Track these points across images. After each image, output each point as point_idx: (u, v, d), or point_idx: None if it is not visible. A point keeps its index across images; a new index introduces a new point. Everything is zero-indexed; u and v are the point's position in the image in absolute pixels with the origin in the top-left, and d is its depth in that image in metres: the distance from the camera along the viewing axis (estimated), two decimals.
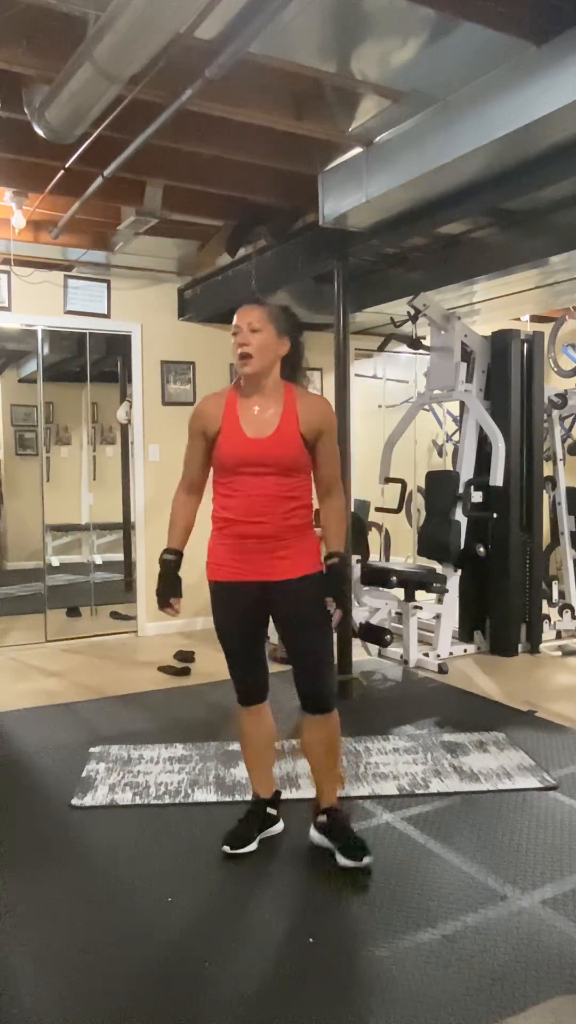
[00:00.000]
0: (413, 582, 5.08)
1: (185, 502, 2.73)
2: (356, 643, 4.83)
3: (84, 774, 3.24)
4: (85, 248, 5.27)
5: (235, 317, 2.47)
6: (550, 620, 5.44)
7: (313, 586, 2.49)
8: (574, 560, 5.72)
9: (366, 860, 2.49)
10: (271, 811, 2.74)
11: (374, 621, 5.18)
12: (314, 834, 2.67)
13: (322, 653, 2.57)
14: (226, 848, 2.60)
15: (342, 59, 2.93)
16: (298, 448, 2.45)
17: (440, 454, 7.50)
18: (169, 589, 2.64)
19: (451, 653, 5.18)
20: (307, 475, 2.54)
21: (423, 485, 5.79)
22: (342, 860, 2.51)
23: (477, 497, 5.07)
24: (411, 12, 2.55)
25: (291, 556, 2.49)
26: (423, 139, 3.31)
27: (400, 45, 2.82)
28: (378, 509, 5.93)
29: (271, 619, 2.63)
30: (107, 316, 5.83)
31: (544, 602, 5.46)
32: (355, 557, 5.08)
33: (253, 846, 2.63)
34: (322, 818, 2.64)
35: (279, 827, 2.75)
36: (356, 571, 5.10)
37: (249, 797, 2.84)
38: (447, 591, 5.15)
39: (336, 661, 4.39)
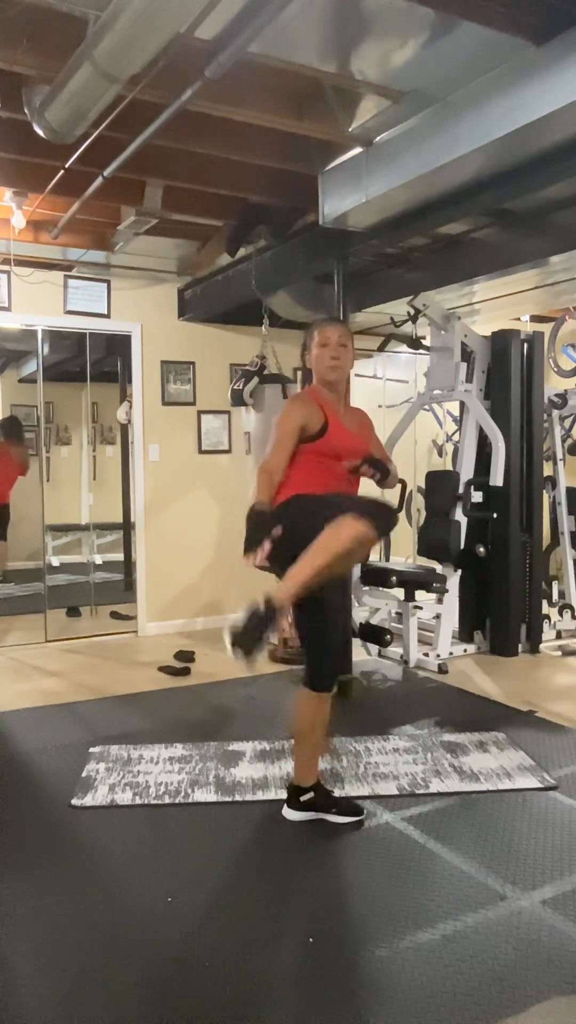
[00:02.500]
0: (413, 582, 5.08)
1: (276, 474, 2.73)
2: (356, 643, 4.83)
3: (84, 774, 3.24)
4: (85, 248, 5.27)
5: (325, 331, 2.83)
6: (550, 620, 5.44)
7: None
8: (574, 560, 5.72)
9: (362, 816, 2.80)
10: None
11: (374, 621, 5.18)
12: (295, 814, 2.82)
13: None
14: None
15: (342, 59, 2.93)
16: (368, 446, 2.89)
17: (440, 454, 7.50)
18: (262, 532, 2.64)
19: (451, 653, 5.18)
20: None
21: (423, 485, 5.79)
22: (339, 820, 2.78)
23: (477, 497, 5.07)
24: (411, 12, 2.55)
25: None
26: (423, 139, 3.31)
27: (400, 45, 2.82)
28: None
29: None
30: (107, 316, 5.83)
31: (544, 602, 5.46)
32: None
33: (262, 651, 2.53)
34: (308, 795, 2.81)
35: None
36: (356, 571, 5.10)
37: (249, 797, 2.89)
38: (447, 591, 5.15)
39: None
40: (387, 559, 6.93)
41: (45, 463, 6.27)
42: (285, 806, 2.85)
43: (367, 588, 5.19)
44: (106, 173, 3.65)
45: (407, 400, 7.08)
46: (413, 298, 5.00)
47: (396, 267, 5.03)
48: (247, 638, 2.34)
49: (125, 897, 2.39)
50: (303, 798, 2.81)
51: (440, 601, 5.23)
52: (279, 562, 2.59)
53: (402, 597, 5.08)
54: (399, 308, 5.33)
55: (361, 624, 4.99)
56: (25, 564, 6.68)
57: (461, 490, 5.09)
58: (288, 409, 2.79)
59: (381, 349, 5.63)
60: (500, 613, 5.27)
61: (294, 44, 2.81)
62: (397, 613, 5.28)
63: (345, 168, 3.80)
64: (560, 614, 5.54)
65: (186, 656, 5.15)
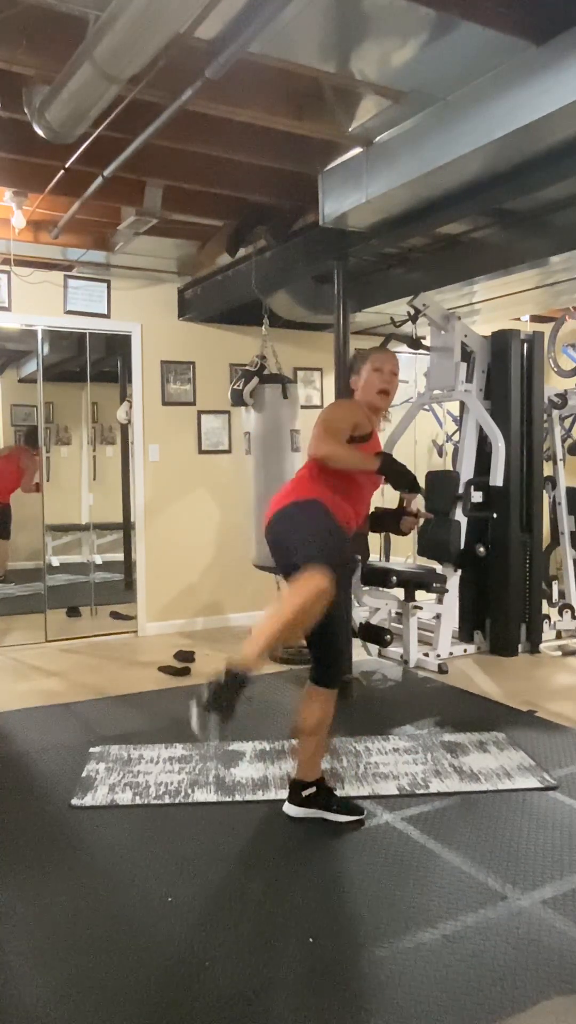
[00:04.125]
0: (413, 582, 5.08)
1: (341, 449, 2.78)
2: (356, 643, 4.83)
3: (84, 774, 3.24)
4: (85, 248, 5.26)
5: (381, 358, 2.89)
6: (550, 620, 5.44)
7: (352, 572, 2.89)
8: (574, 560, 5.72)
9: (362, 815, 2.82)
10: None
11: (374, 621, 5.18)
12: (296, 810, 2.83)
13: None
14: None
15: (342, 59, 2.93)
16: None
17: (440, 454, 7.49)
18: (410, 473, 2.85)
19: (451, 653, 5.18)
20: None
21: (423, 485, 5.79)
22: (339, 818, 2.79)
23: (477, 497, 5.07)
24: (411, 12, 2.55)
25: (356, 543, 2.89)
26: (423, 139, 3.31)
27: (400, 45, 2.81)
28: (378, 509, 5.93)
29: None
30: (107, 316, 5.83)
31: (544, 602, 5.46)
32: (355, 557, 5.08)
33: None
34: (310, 790, 2.82)
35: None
36: (356, 571, 5.10)
37: (249, 797, 2.89)
38: (447, 591, 5.15)
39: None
40: (387, 559, 6.94)
41: (45, 463, 6.27)
42: (286, 802, 2.85)
43: (367, 588, 5.19)
44: (106, 173, 3.65)
45: (407, 400, 7.08)
46: (413, 298, 5.00)
47: (396, 267, 5.03)
48: (217, 707, 2.20)
49: (125, 897, 2.39)
50: (305, 793, 2.82)
51: (440, 601, 5.23)
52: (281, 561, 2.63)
53: (402, 597, 5.08)
54: (399, 308, 5.33)
55: (361, 624, 4.99)
56: (25, 564, 6.68)
57: (461, 490, 5.09)
58: (345, 405, 2.91)
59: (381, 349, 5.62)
60: (500, 613, 5.27)
61: (294, 44, 2.80)
62: (397, 613, 5.28)
63: (345, 168, 3.80)
64: (560, 614, 5.54)
65: (186, 656, 5.15)
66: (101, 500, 6.71)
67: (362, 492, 2.82)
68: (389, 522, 3.03)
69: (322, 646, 2.76)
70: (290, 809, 2.84)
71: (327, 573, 2.33)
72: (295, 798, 2.83)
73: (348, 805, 2.86)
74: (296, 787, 2.84)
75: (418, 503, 3.01)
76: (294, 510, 2.68)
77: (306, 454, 2.75)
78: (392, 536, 7.18)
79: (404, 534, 3.04)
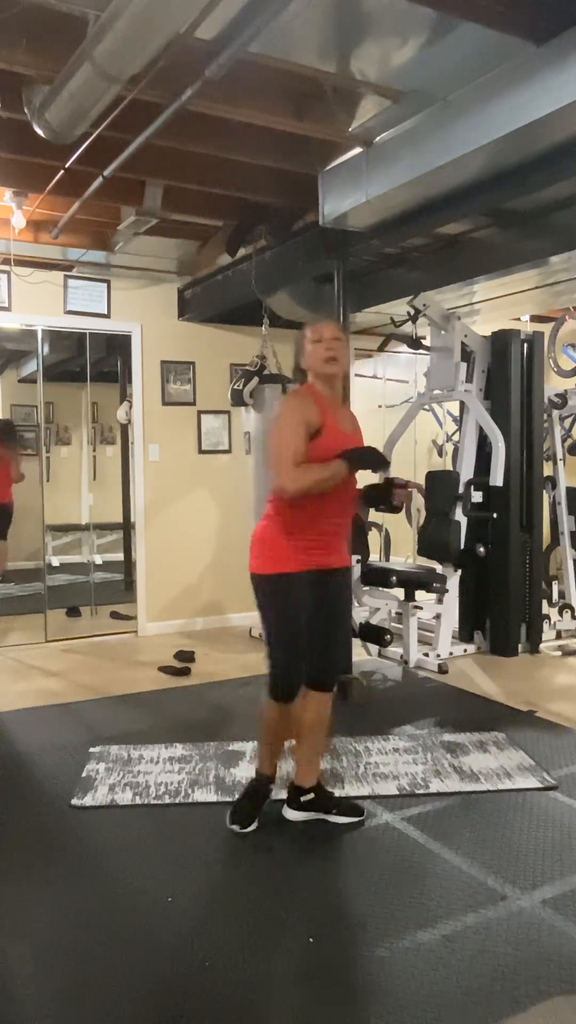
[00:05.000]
0: (413, 582, 5.07)
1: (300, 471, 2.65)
2: (356, 643, 4.83)
3: (84, 774, 3.24)
4: (85, 248, 5.27)
5: (318, 329, 2.74)
6: (550, 620, 5.44)
7: (350, 576, 2.84)
8: (574, 560, 5.72)
9: (362, 816, 2.82)
10: (271, 786, 2.89)
11: (374, 621, 5.18)
12: (296, 814, 2.84)
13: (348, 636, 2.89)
14: (235, 828, 2.75)
15: (342, 59, 2.93)
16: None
17: (440, 454, 7.49)
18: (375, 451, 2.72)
19: (451, 653, 5.18)
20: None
21: (423, 485, 5.79)
22: (339, 820, 2.81)
23: (477, 497, 5.07)
24: (411, 12, 2.55)
25: (343, 549, 2.80)
26: (423, 139, 3.31)
27: (400, 45, 2.82)
28: (378, 509, 5.92)
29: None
30: (107, 316, 5.82)
31: (544, 602, 5.46)
32: (355, 557, 5.08)
33: (255, 824, 2.79)
34: (309, 796, 2.83)
35: (271, 794, 2.91)
36: (356, 571, 5.10)
37: None
38: (447, 591, 5.15)
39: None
40: (387, 559, 6.94)
41: (45, 463, 6.27)
42: (285, 806, 2.85)
43: (367, 588, 5.19)
44: (106, 173, 3.65)
45: (407, 400, 7.08)
46: (413, 298, 5.00)
47: (396, 267, 5.02)
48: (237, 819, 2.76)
49: (125, 897, 2.38)
50: (303, 799, 2.82)
51: (440, 601, 5.23)
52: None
53: (402, 597, 5.07)
54: (399, 308, 5.32)
55: (361, 624, 4.99)
56: (25, 564, 6.68)
57: (461, 490, 5.09)
58: (288, 410, 2.70)
59: (381, 349, 5.63)
60: (500, 613, 5.27)
61: (294, 44, 2.80)
62: (397, 613, 5.28)
63: (345, 168, 3.80)
64: (560, 614, 5.54)
65: (186, 656, 5.15)
66: (101, 500, 6.72)
67: (336, 494, 2.66)
68: (381, 499, 2.84)
69: (314, 650, 2.73)
70: (289, 813, 2.84)
71: (278, 683, 2.69)
72: (294, 803, 2.84)
73: (348, 806, 2.86)
74: (295, 792, 2.84)
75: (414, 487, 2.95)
76: (257, 583, 2.70)
77: (269, 482, 2.68)
78: (392, 536, 7.19)
79: (397, 510, 2.88)
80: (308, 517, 2.65)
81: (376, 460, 2.68)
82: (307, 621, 2.71)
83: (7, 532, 6.26)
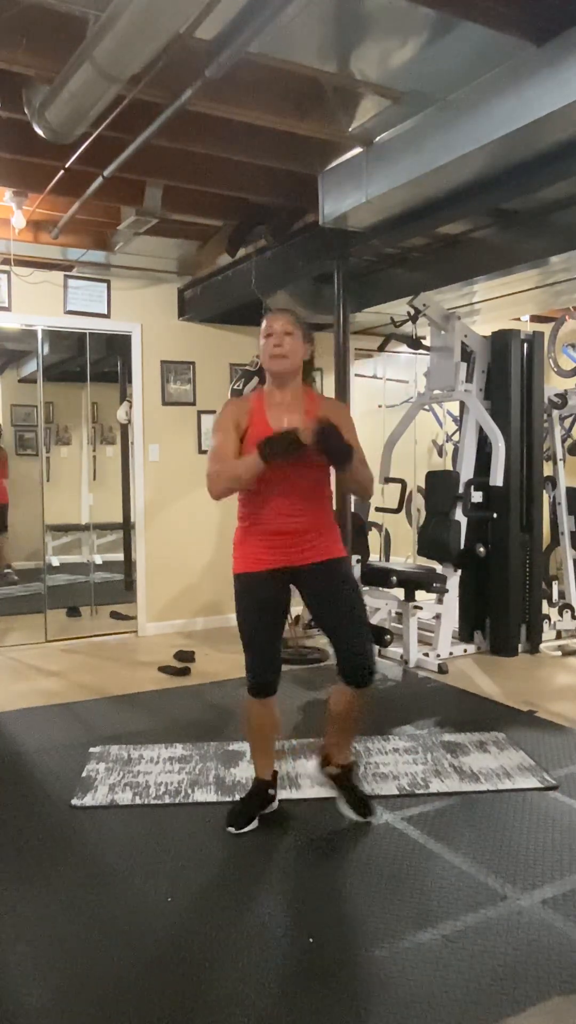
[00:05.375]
0: (413, 582, 5.08)
1: (223, 473, 2.63)
2: None
3: (84, 774, 3.24)
4: (85, 248, 5.27)
5: (267, 321, 2.68)
6: (550, 620, 5.44)
7: (344, 566, 2.76)
8: (574, 560, 5.71)
9: (369, 818, 2.78)
10: (271, 791, 2.88)
11: (374, 621, 5.18)
12: (318, 775, 2.91)
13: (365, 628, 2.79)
14: (231, 829, 2.74)
15: (342, 59, 2.93)
16: None
17: (440, 454, 7.50)
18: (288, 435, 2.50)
19: (451, 653, 5.18)
20: (327, 472, 2.70)
21: (423, 485, 5.79)
22: (346, 810, 2.80)
23: (477, 497, 5.07)
24: (411, 12, 2.55)
25: (319, 543, 2.68)
26: (423, 139, 3.31)
27: (400, 45, 2.82)
28: (378, 509, 5.93)
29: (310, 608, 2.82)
30: (107, 316, 5.82)
31: (544, 602, 5.45)
32: (355, 557, 5.08)
33: (254, 824, 2.78)
34: (334, 769, 2.85)
35: (275, 805, 2.89)
36: (356, 571, 5.10)
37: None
38: (447, 591, 5.14)
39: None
40: (387, 559, 6.94)
41: (45, 463, 6.27)
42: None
43: (367, 588, 5.19)
44: (106, 173, 3.65)
45: (407, 400, 7.08)
46: (413, 298, 5.00)
47: (396, 267, 5.02)
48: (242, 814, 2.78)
49: (125, 897, 2.38)
50: (326, 769, 2.89)
51: (440, 601, 5.23)
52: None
53: (402, 597, 5.08)
54: (399, 308, 5.33)
55: None
56: (25, 564, 6.69)
57: (461, 490, 5.09)
58: (219, 415, 2.71)
59: (381, 349, 5.63)
60: (500, 613, 5.27)
61: (294, 44, 2.81)
62: (397, 613, 5.28)
63: (345, 168, 3.80)
64: (560, 614, 5.54)
65: (186, 656, 5.15)
66: (101, 500, 6.72)
67: (280, 489, 2.59)
68: (279, 448, 2.48)
69: (333, 645, 2.75)
70: (318, 774, 2.93)
71: (248, 678, 2.71)
72: (322, 766, 2.90)
73: (358, 800, 2.84)
74: (324, 760, 2.89)
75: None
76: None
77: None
78: (392, 536, 7.19)
79: (323, 450, 2.49)
80: (261, 516, 2.65)
81: (287, 443, 2.45)
82: (318, 618, 2.79)
83: (5, 524, 6.27)
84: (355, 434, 2.68)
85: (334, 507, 2.92)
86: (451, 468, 5.75)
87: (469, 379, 5.20)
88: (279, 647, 2.80)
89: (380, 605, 5.27)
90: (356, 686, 2.68)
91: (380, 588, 5.12)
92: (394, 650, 5.11)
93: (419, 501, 6.58)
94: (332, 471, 2.68)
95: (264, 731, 2.84)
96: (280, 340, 2.63)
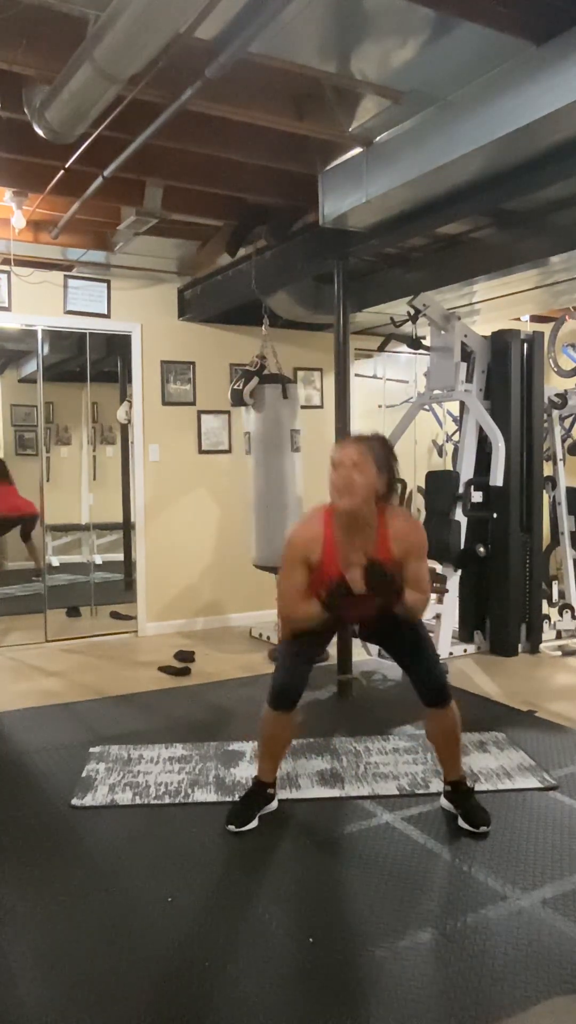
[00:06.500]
0: None
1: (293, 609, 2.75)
2: (356, 643, 4.83)
3: (84, 774, 3.24)
4: (85, 248, 5.26)
5: (335, 451, 2.61)
6: (550, 620, 5.44)
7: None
8: (574, 560, 5.72)
9: (482, 828, 2.72)
10: (270, 791, 2.91)
11: None
12: (443, 801, 2.93)
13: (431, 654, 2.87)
14: (231, 827, 2.75)
15: (342, 59, 2.93)
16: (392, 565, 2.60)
17: (440, 454, 7.49)
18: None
19: (451, 653, 5.18)
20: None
21: (423, 485, 5.79)
22: (463, 824, 2.77)
23: (477, 497, 5.07)
24: (411, 12, 2.55)
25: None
26: (423, 139, 3.31)
27: (400, 45, 2.81)
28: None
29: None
30: (107, 316, 5.82)
31: (544, 602, 5.46)
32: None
33: (254, 823, 2.79)
34: (447, 788, 2.89)
35: (275, 805, 2.91)
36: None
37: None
38: (447, 591, 5.14)
39: (337, 661, 4.41)
40: None
41: (45, 463, 6.27)
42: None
43: None
44: (106, 173, 3.65)
45: (407, 400, 7.08)
46: (413, 298, 5.00)
47: (396, 267, 5.02)
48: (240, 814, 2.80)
49: (125, 897, 2.39)
50: (444, 789, 2.93)
51: (440, 601, 5.22)
52: None
53: None
54: (399, 308, 5.33)
55: None
56: (25, 564, 6.68)
57: (461, 490, 5.09)
58: (289, 538, 2.71)
59: (381, 349, 5.63)
60: (500, 613, 5.27)
61: (294, 44, 2.80)
62: None
63: (345, 168, 3.79)
64: (560, 614, 5.54)
65: (186, 656, 5.15)
66: (101, 500, 6.71)
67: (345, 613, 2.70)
68: (382, 588, 2.59)
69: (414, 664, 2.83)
70: (441, 799, 2.96)
71: (272, 686, 2.78)
72: (445, 789, 2.94)
73: (474, 811, 2.78)
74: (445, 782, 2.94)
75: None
76: None
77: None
78: None
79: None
80: None
81: (343, 594, 2.54)
82: (387, 649, 2.95)
83: (30, 535, 6.35)
84: (422, 560, 2.68)
85: None
86: (451, 468, 5.74)
87: (469, 379, 5.20)
88: (311, 668, 2.87)
89: None
90: (434, 706, 2.80)
91: None
92: None
93: (419, 501, 6.57)
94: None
95: (277, 741, 2.88)
96: (349, 478, 2.51)
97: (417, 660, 2.82)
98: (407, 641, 2.80)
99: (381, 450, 2.61)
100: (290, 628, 2.77)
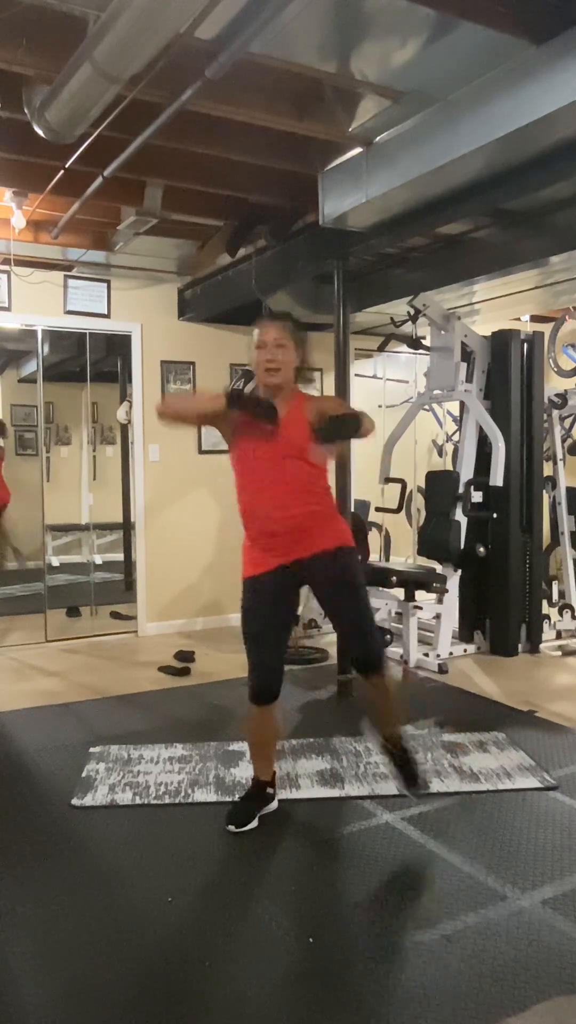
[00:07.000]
0: (413, 582, 5.08)
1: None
2: None
3: (84, 774, 3.24)
4: (85, 248, 5.26)
5: (258, 331, 2.65)
6: (550, 620, 5.44)
7: (346, 557, 2.71)
8: (574, 560, 5.72)
9: (420, 792, 2.82)
10: (269, 791, 2.89)
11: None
12: (381, 755, 2.96)
13: (366, 618, 2.80)
14: (231, 827, 2.74)
15: (342, 59, 2.93)
16: (305, 430, 2.60)
17: (440, 454, 7.50)
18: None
19: (451, 653, 5.18)
20: (320, 467, 2.71)
21: (423, 485, 5.79)
22: (398, 788, 2.84)
23: (477, 497, 5.07)
24: (411, 12, 2.55)
25: (317, 535, 2.67)
26: (423, 139, 3.31)
27: (400, 45, 2.81)
28: (378, 509, 5.93)
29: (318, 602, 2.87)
30: (107, 316, 5.82)
31: (544, 602, 5.45)
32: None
33: (254, 823, 2.78)
34: (384, 740, 2.88)
35: (275, 805, 2.90)
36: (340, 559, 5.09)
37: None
38: (447, 591, 5.15)
39: (337, 661, 4.41)
40: (387, 559, 6.94)
41: (45, 463, 6.27)
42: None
43: (367, 588, 5.18)
44: (106, 173, 3.65)
45: (407, 400, 7.08)
46: (413, 298, 5.00)
47: (396, 267, 5.02)
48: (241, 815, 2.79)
49: (125, 897, 2.39)
50: (383, 743, 2.91)
51: (440, 601, 5.23)
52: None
53: (402, 597, 5.07)
54: (399, 308, 5.32)
55: None
56: (25, 564, 6.68)
57: (461, 490, 5.09)
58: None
59: (381, 349, 5.62)
60: (500, 613, 5.27)
61: (294, 44, 2.80)
62: (397, 613, 5.27)
63: (345, 168, 3.79)
64: (560, 614, 5.54)
65: (186, 656, 5.15)
66: (101, 500, 6.71)
67: (261, 490, 2.65)
68: (333, 432, 2.60)
69: (340, 635, 2.86)
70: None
71: (249, 683, 2.74)
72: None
73: (408, 768, 2.84)
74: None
75: None
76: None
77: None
78: (392, 536, 7.19)
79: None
80: (251, 522, 2.71)
81: (256, 402, 2.57)
82: (327, 609, 2.82)
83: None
84: (347, 405, 2.77)
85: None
86: (451, 468, 5.75)
87: (469, 379, 5.20)
88: (281, 653, 2.81)
89: (380, 605, 5.27)
90: (364, 672, 2.74)
91: (380, 588, 5.12)
92: (394, 650, 5.10)
93: (419, 501, 6.58)
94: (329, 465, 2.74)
95: (264, 737, 2.87)
96: (273, 354, 2.61)
97: (342, 608, 2.75)
98: (337, 585, 2.71)
99: (297, 330, 2.72)
100: (172, 410, 2.81)
